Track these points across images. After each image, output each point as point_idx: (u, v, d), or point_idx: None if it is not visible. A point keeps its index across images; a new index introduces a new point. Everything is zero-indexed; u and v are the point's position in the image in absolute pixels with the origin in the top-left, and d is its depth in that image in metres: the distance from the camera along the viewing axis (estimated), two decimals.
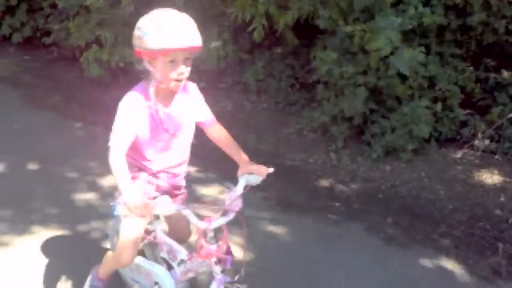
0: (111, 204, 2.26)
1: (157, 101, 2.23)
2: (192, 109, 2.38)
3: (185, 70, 2.15)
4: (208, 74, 5.56)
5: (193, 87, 2.42)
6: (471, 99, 4.67)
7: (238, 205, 2.17)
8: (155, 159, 2.35)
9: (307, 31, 5.34)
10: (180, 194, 2.51)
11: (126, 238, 2.35)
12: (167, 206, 2.15)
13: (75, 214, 3.72)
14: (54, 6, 7.00)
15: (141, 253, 2.60)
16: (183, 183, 2.52)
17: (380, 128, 4.53)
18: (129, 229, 2.34)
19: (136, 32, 2.13)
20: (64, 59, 7.27)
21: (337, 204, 3.99)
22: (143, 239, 2.48)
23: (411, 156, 4.46)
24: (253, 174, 2.24)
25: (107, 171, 2.16)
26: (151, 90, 2.20)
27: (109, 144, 2.16)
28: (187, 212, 2.15)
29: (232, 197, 2.19)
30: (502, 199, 3.98)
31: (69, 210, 3.77)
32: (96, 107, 5.75)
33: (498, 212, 3.84)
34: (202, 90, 2.46)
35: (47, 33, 7.31)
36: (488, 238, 3.56)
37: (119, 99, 2.20)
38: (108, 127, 2.21)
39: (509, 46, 4.48)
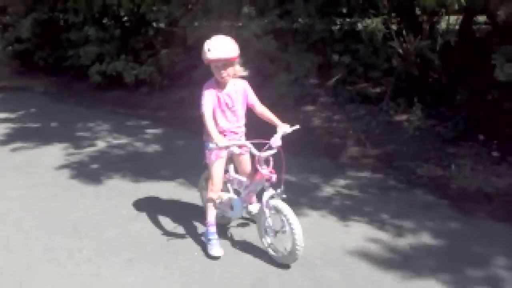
0: (208, 142, 3.35)
1: (219, 88, 3.41)
2: (243, 95, 3.46)
3: (225, 73, 3.31)
4: None
5: (242, 83, 3.49)
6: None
7: (279, 143, 3.21)
8: (223, 122, 3.46)
9: None
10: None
11: (215, 171, 3.52)
12: (237, 141, 3.35)
13: None
14: (68, 39, 9.98)
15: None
16: (243, 139, 3.54)
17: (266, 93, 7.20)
18: (217, 166, 3.52)
19: (203, 49, 3.26)
20: (77, 77, 10.17)
21: None
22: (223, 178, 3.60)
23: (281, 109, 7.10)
24: (287, 128, 3.31)
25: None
26: (215, 81, 3.39)
27: (202, 111, 3.29)
28: (249, 144, 3.27)
29: (275, 138, 3.22)
30: (331, 124, 6.61)
31: None
32: (96, 101, 8.65)
33: (321, 132, 6.47)
34: None
35: (65, 59, 10.24)
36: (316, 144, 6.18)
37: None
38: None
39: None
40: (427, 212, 4.24)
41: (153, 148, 6.24)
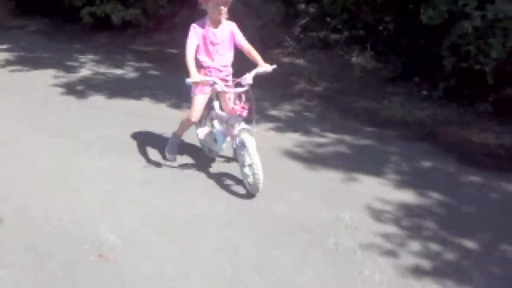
0: (186, 78, 3.48)
1: (209, 26, 3.67)
2: (229, 35, 3.73)
3: (224, 10, 3.60)
4: None
5: (233, 25, 3.79)
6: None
7: (249, 81, 3.54)
8: (207, 60, 3.74)
9: None
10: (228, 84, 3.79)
11: (196, 104, 3.83)
12: (208, 77, 3.62)
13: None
14: None
15: (206, 125, 4.16)
16: (228, 78, 3.83)
17: None
18: (198, 100, 3.83)
19: None
20: (69, 19, 10.81)
21: None
22: (208, 114, 4.04)
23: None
24: (263, 68, 3.61)
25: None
26: (207, 21, 3.66)
27: (186, 48, 3.58)
28: (218, 81, 3.58)
29: (246, 77, 3.54)
30: (291, 65, 7.42)
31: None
32: (86, 40, 9.41)
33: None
34: None
35: (59, 1, 10.88)
36: None
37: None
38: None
39: None
40: (350, 133, 5.13)
41: (131, 76, 7.09)
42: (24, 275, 2.80)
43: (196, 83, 3.62)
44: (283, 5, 7.70)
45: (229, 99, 3.72)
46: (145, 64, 7.78)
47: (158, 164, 4.21)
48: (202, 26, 3.69)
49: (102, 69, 7.36)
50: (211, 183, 3.92)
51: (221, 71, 3.82)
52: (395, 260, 3.02)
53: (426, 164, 4.49)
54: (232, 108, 3.60)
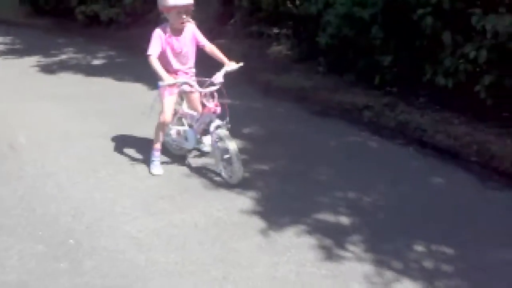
0: (158, 82, 3.68)
1: (171, 33, 3.82)
2: (192, 39, 3.93)
3: (186, 18, 3.76)
4: None
5: (192, 26, 3.95)
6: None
7: (221, 80, 3.74)
8: (173, 64, 3.92)
9: None
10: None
11: (166, 105, 3.97)
12: (182, 79, 3.84)
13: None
14: None
15: (176, 124, 4.26)
16: (193, 79, 4.01)
17: None
18: (168, 101, 3.98)
19: None
20: (72, 17, 12.88)
21: None
22: (176, 113, 4.12)
23: None
24: (231, 66, 3.81)
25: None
26: (168, 28, 3.81)
27: (148, 53, 3.71)
28: (192, 82, 3.80)
29: (217, 76, 3.74)
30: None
31: None
32: (75, 34, 11.46)
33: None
34: None
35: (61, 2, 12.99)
36: None
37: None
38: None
39: None
40: (237, 97, 6.64)
41: (101, 61, 9.10)
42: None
43: (171, 86, 3.81)
44: (218, 3, 9.46)
45: (203, 97, 3.88)
46: (116, 52, 9.73)
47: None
48: (165, 32, 3.88)
49: (77, 54, 9.43)
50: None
51: (187, 73, 4.09)
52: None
53: (277, 115, 5.89)
54: (206, 106, 3.84)
